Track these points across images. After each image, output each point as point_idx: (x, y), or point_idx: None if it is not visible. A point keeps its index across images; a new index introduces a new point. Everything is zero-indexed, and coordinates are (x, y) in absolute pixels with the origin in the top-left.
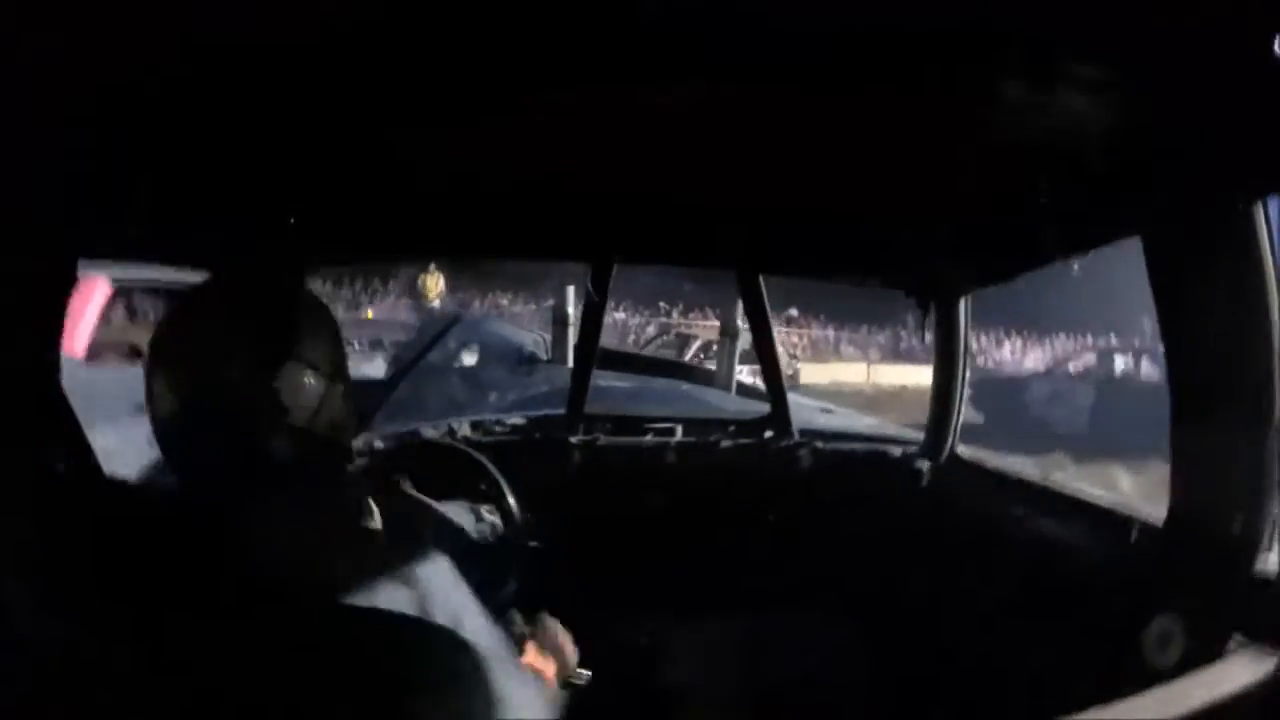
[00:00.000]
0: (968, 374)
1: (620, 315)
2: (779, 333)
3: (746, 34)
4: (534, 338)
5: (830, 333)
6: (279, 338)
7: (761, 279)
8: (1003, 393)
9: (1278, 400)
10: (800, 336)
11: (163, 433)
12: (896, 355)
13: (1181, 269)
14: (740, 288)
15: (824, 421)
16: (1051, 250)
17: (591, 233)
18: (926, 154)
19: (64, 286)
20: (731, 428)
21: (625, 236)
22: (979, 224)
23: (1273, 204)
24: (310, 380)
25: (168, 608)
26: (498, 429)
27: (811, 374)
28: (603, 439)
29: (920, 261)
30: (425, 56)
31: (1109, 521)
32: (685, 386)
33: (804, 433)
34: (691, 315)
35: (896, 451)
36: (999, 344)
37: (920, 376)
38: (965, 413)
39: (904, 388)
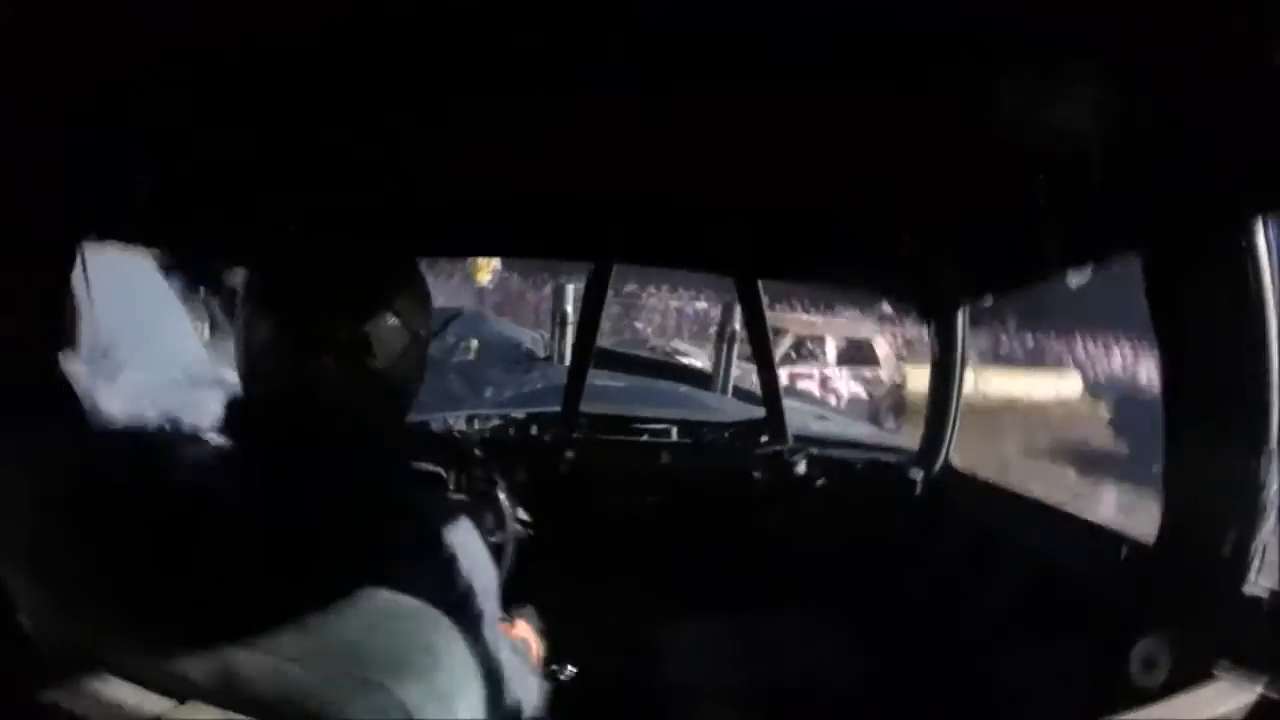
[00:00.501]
0: (1102, 387)
1: (701, 305)
2: (877, 332)
3: (747, 35)
4: (533, 335)
5: (924, 332)
6: (382, 290)
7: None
8: (1152, 418)
9: (1272, 421)
10: (895, 336)
11: (250, 369)
12: (996, 359)
13: (1180, 285)
14: (738, 291)
15: (819, 427)
16: (1050, 263)
17: (591, 233)
18: (925, 161)
19: (65, 278)
20: (727, 432)
21: (625, 237)
22: (977, 234)
23: (1272, 223)
24: (396, 329)
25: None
26: (492, 424)
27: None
28: (598, 438)
29: (919, 271)
30: (426, 56)
31: (1100, 538)
32: (684, 389)
33: (799, 438)
34: (778, 307)
35: (891, 460)
36: (1107, 351)
37: (1031, 387)
38: (1104, 439)
39: (1014, 401)
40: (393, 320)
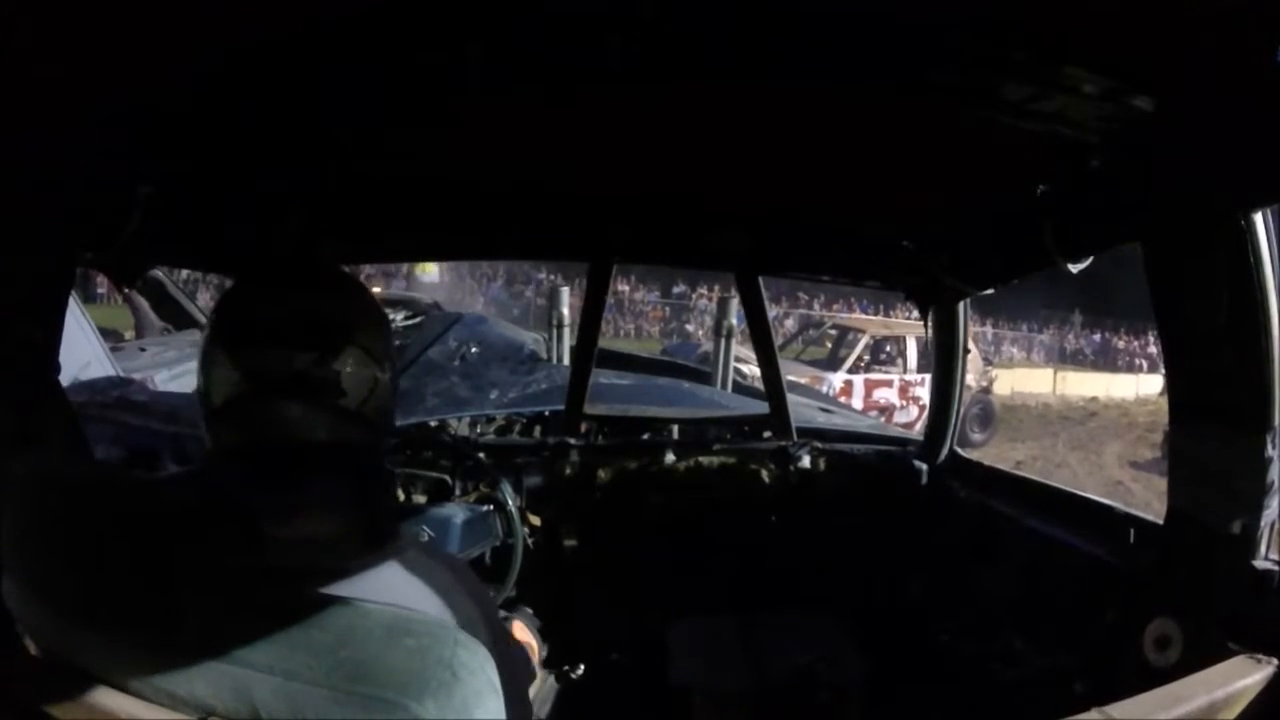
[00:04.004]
0: None
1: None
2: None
3: (747, 35)
4: (534, 337)
5: (989, 330)
6: (345, 323)
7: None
8: None
9: (1276, 403)
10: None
11: (219, 409)
12: (1064, 358)
13: (1181, 273)
14: (739, 288)
15: (823, 421)
16: (1052, 254)
17: (591, 232)
18: (925, 159)
19: (64, 285)
20: (730, 427)
21: (625, 235)
22: (978, 227)
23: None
24: (367, 367)
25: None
26: (496, 426)
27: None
28: (601, 438)
29: (919, 264)
30: (427, 55)
31: (1108, 521)
32: (686, 385)
33: (802, 432)
34: (835, 307)
35: (895, 451)
36: None
37: (1111, 386)
38: None
39: (1095, 400)
40: (360, 358)
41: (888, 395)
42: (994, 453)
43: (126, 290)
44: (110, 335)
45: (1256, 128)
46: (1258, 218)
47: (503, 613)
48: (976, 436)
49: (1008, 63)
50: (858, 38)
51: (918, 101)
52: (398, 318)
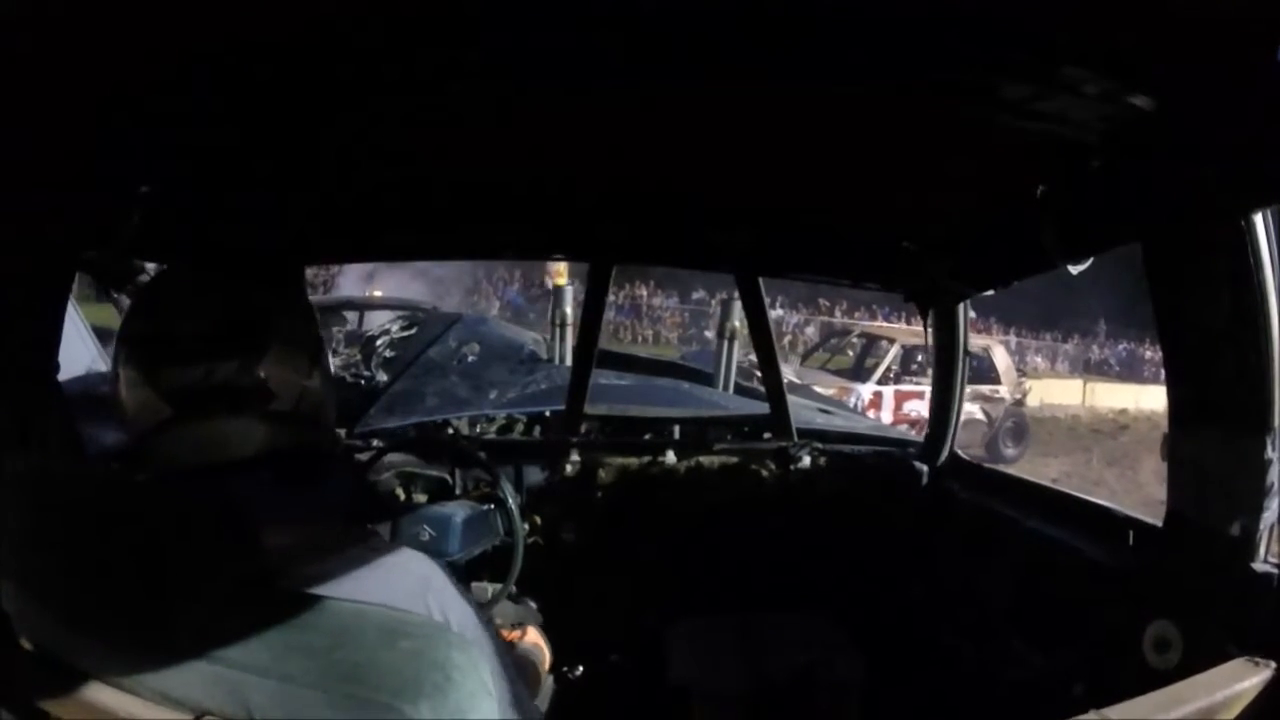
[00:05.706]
0: None
1: (777, 313)
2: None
3: (746, 35)
4: (534, 337)
5: (1012, 339)
6: (262, 319)
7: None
8: None
9: (1275, 405)
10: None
11: (145, 436)
12: (1089, 368)
13: (1181, 273)
14: (739, 288)
15: (823, 422)
16: (1052, 254)
17: (591, 233)
18: (925, 160)
19: (64, 285)
20: (729, 434)
21: (625, 236)
22: (978, 228)
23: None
24: (293, 363)
25: (164, 598)
26: (496, 426)
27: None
28: (602, 438)
29: (919, 265)
30: (426, 54)
31: (1108, 523)
32: (686, 386)
33: (803, 434)
34: (857, 314)
35: (895, 453)
36: None
37: (1140, 398)
38: None
39: (1125, 412)
40: (284, 355)
41: (919, 408)
42: (1027, 468)
43: (115, 294)
44: (111, 335)
45: (1256, 128)
46: (1258, 218)
47: (513, 611)
48: (1010, 451)
49: (1008, 63)
50: (858, 38)
51: (918, 102)
52: (393, 328)
